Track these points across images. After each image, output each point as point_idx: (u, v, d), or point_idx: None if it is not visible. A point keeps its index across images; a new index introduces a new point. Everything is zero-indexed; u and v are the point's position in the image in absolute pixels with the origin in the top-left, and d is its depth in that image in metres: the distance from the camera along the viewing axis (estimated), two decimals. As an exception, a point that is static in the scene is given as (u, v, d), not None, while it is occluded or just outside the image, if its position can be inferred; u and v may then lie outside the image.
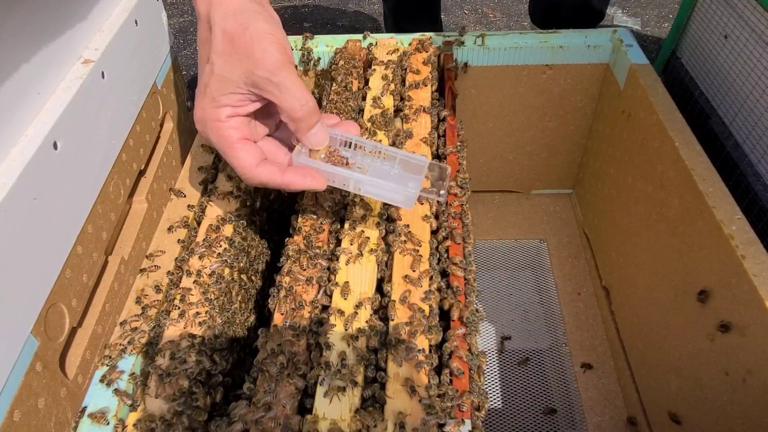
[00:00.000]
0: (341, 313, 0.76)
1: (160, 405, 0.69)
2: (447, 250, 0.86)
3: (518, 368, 1.30)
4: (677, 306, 1.00)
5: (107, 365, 0.75)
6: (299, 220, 0.89)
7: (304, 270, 0.82)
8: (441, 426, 0.65)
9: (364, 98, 1.11)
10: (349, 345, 0.72)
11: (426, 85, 1.12)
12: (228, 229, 0.89)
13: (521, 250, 1.54)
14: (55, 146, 0.81)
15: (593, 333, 1.35)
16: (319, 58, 1.29)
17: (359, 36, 1.28)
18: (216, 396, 0.75)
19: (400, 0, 1.95)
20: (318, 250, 0.84)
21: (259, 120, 0.77)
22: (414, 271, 0.81)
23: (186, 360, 0.73)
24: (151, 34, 1.16)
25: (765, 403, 0.78)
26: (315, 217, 0.89)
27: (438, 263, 0.85)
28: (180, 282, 0.82)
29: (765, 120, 1.06)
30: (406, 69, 1.17)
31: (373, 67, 1.17)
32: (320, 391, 0.68)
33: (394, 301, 0.77)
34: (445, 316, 0.81)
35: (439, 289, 0.81)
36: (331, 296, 0.79)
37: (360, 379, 0.69)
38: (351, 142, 0.78)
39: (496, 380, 1.28)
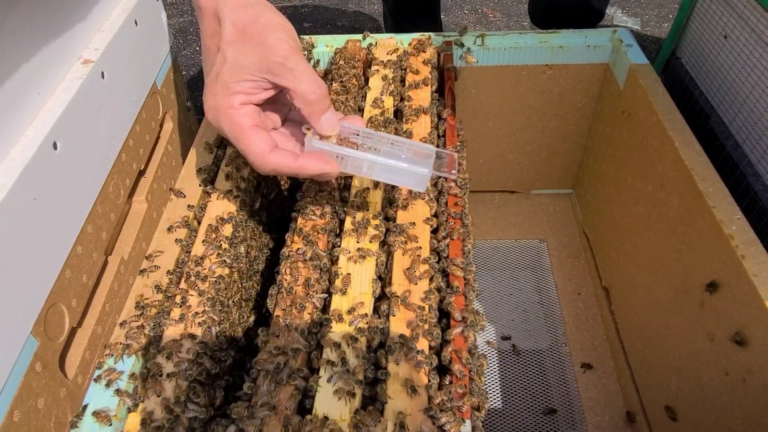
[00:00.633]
0: (341, 312, 0.76)
1: (160, 405, 0.69)
2: (447, 250, 0.86)
3: (518, 368, 1.30)
4: (677, 306, 1.00)
5: (106, 366, 0.75)
6: (299, 220, 0.89)
7: (304, 270, 0.82)
8: (441, 427, 0.65)
9: (364, 98, 1.11)
10: (348, 345, 0.72)
11: (426, 85, 1.12)
12: (228, 229, 0.89)
13: (521, 250, 1.54)
14: (54, 146, 0.81)
15: (593, 333, 1.35)
16: (319, 60, 1.29)
17: (359, 36, 1.28)
18: (216, 396, 0.75)
19: (400, 0, 1.95)
20: (318, 251, 0.84)
21: (268, 112, 0.78)
22: (414, 271, 0.81)
23: (186, 360, 0.73)
24: (151, 34, 1.16)
25: (765, 403, 0.78)
26: (315, 217, 0.89)
27: (438, 263, 0.85)
28: (180, 282, 0.82)
29: (765, 120, 1.06)
30: (405, 69, 1.17)
31: (373, 67, 1.17)
32: (321, 392, 0.68)
33: (394, 301, 0.77)
34: (445, 316, 0.81)
35: (438, 289, 0.81)
36: (330, 296, 0.79)
37: (360, 378, 0.69)
38: (359, 133, 0.79)
39: (496, 380, 1.28)
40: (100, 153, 0.94)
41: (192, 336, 0.75)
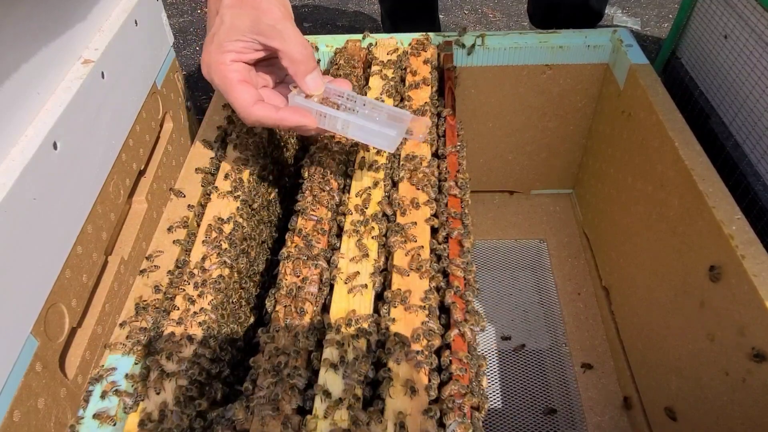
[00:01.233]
0: (341, 312, 0.76)
1: (160, 405, 0.69)
2: (447, 250, 0.86)
3: (518, 368, 1.30)
4: (677, 306, 1.00)
5: (103, 375, 0.74)
6: (299, 220, 0.89)
7: (304, 270, 0.82)
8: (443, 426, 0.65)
9: (364, 98, 1.11)
10: (349, 345, 0.72)
11: (426, 85, 1.12)
12: (228, 229, 0.89)
13: (521, 250, 1.54)
14: (54, 146, 0.81)
15: (593, 333, 1.35)
16: (319, 60, 1.29)
17: (359, 36, 1.28)
18: (216, 395, 0.75)
19: (397, 2, 1.95)
20: (318, 251, 0.84)
21: (261, 72, 0.85)
22: (414, 271, 0.81)
23: (186, 360, 0.73)
24: (151, 34, 1.16)
25: (765, 403, 0.78)
26: (315, 217, 0.89)
27: (438, 263, 0.85)
28: (180, 282, 0.82)
29: (765, 120, 1.06)
30: (405, 69, 1.17)
31: (373, 67, 1.17)
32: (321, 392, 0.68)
33: (394, 301, 0.77)
34: (444, 312, 0.81)
35: (438, 290, 0.81)
36: (331, 296, 0.79)
37: (361, 377, 0.69)
38: (344, 95, 0.85)
39: (496, 380, 1.28)
40: (100, 153, 0.94)
41: (191, 336, 0.75)
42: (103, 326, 0.93)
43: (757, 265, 0.80)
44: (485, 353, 1.34)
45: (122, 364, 0.75)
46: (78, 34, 0.94)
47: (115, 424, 0.70)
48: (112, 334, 0.79)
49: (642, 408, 1.15)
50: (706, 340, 0.91)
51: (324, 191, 0.92)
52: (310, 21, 2.65)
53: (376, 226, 0.87)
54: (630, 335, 1.23)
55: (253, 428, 0.66)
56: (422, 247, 0.84)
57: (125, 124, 1.04)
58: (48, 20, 0.86)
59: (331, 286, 0.81)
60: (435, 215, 0.90)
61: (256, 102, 0.79)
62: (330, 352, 0.71)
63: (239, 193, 0.94)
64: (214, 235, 0.87)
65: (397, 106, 1.10)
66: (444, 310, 0.80)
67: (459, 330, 0.75)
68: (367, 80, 1.16)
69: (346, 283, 0.80)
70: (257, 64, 0.84)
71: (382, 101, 1.07)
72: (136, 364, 0.76)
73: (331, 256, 0.85)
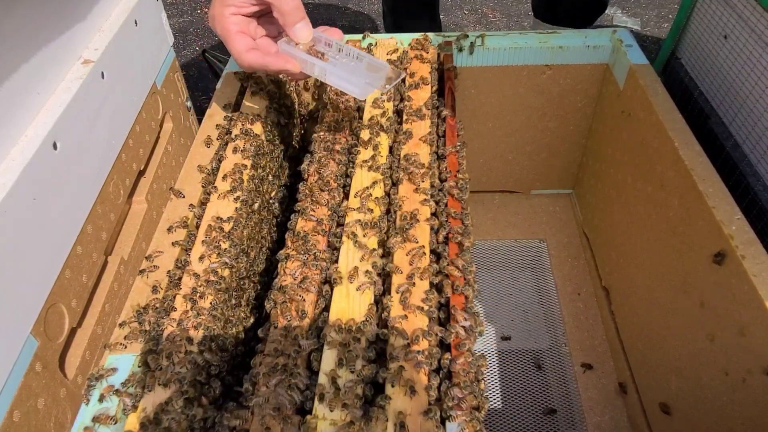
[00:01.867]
0: (341, 312, 0.76)
1: (160, 405, 0.69)
2: (447, 251, 0.86)
3: (518, 368, 1.30)
4: (677, 306, 1.00)
5: (103, 375, 0.74)
6: (299, 220, 0.89)
7: (304, 271, 0.82)
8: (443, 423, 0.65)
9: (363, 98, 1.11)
10: (349, 345, 0.72)
11: (426, 85, 1.12)
12: (228, 229, 0.89)
13: (521, 251, 1.54)
14: (54, 146, 0.81)
15: (593, 333, 1.35)
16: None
17: (359, 36, 1.28)
18: (216, 396, 0.75)
19: None
20: (317, 251, 0.84)
21: (263, 24, 0.95)
22: (414, 271, 0.81)
23: (186, 360, 0.73)
24: (151, 34, 1.16)
25: (765, 403, 0.78)
26: (314, 218, 0.89)
27: (438, 263, 0.85)
28: (180, 282, 0.82)
29: (765, 120, 1.06)
30: (406, 69, 1.17)
31: (373, 67, 1.17)
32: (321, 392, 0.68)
33: (394, 301, 0.77)
34: (443, 309, 0.81)
35: (438, 290, 0.81)
36: (330, 296, 0.79)
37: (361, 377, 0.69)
38: (332, 44, 0.93)
39: (496, 380, 1.28)
40: (100, 153, 0.94)
41: (191, 336, 0.75)
42: (102, 326, 0.93)
43: (757, 265, 0.80)
44: (485, 353, 1.34)
45: (122, 364, 0.75)
46: (78, 34, 0.94)
47: (116, 423, 0.69)
48: (112, 334, 0.79)
49: (642, 408, 1.15)
50: (706, 340, 0.91)
51: (324, 191, 0.92)
52: (310, 21, 2.64)
53: (375, 226, 0.87)
54: (630, 335, 1.23)
55: (253, 428, 0.66)
56: (422, 247, 0.84)
57: (125, 124, 1.04)
58: (48, 20, 0.86)
59: (331, 287, 0.81)
60: (435, 215, 0.90)
61: (248, 50, 0.90)
62: (330, 353, 0.71)
63: (239, 193, 0.94)
64: (213, 234, 0.87)
65: (397, 106, 1.10)
66: (444, 310, 0.80)
67: (458, 331, 0.75)
68: (367, 80, 1.16)
69: (345, 283, 0.80)
70: (260, 18, 0.94)
71: (383, 102, 1.07)
72: (137, 366, 0.76)
73: (330, 257, 0.85)
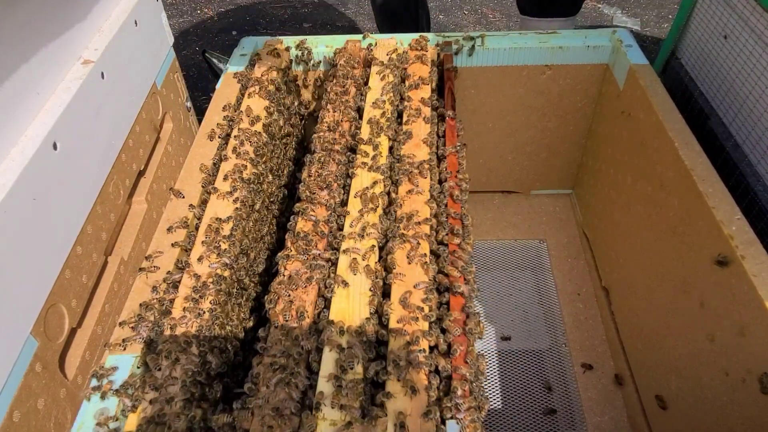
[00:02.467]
0: (341, 313, 0.76)
1: (160, 405, 0.69)
2: (446, 251, 0.86)
3: (518, 368, 1.30)
4: (677, 306, 1.00)
5: (103, 376, 0.74)
6: (299, 221, 0.89)
7: (304, 270, 0.82)
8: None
9: (364, 98, 1.11)
10: (349, 345, 0.72)
11: (426, 85, 1.12)
12: (227, 230, 0.89)
13: (521, 251, 1.54)
14: (54, 146, 0.81)
15: (593, 333, 1.35)
16: (320, 61, 1.29)
17: (359, 36, 1.28)
18: (216, 395, 0.75)
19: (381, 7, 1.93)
20: (317, 251, 0.84)
21: None
22: (414, 271, 0.81)
23: (186, 360, 0.73)
24: (151, 34, 1.16)
25: (765, 403, 0.78)
26: (314, 218, 0.89)
27: (437, 263, 0.85)
28: (180, 283, 0.82)
29: (765, 120, 1.06)
30: (405, 69, 1.17)
31: (373, 68, 1.17)
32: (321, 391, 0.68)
33: (394, 301, 0.77)
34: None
35: (438, 290, 0.81)
36: (331, 296, 0.79)
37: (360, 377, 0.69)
38: None
39: (496, 380, 1.28)
40: (99, 153, 0.94)
41: (191, 337, 0.75)
42: (102, 326, 0.93)
43: (757, 265, 0.80)
44: (485, 353, 1.34)
45: (122, 364, 0.75)
46: (78, 34, 0.94)
47: (115, 422, 0.69)
48: (112, 334, 0.79)
49: (642, 408, 1.15)
50: (706, 340, 0.91)
51: (324, 192, 0.92)
52: (310, 21, 2.65)
53: (375, 227, 0.87)
54: (630, 335, 1.23)
55: (253, 428, 0.66)
56: (422, 247, 0.84)
57: (125, 124, 1.04)
58: (48, 20, 0.86)
59: (331, 288, 0.81)
60: (435, 215, 0.90)
61: None
62: (330, 354, 0.71)
63: (239, 193, 0.94)
64: (213, 235, 0.87)
65: (397, 105, 1.10)
66: (444, 310, 0.80)
67: (457, 329, 0.75)
68: (366, 80, 1.16)
69: (346, 284, 0.80)
70: None
71: (383, 102, 1.08)
72: (137, 367, 0.76)
73: (330, 257, 0.85)
